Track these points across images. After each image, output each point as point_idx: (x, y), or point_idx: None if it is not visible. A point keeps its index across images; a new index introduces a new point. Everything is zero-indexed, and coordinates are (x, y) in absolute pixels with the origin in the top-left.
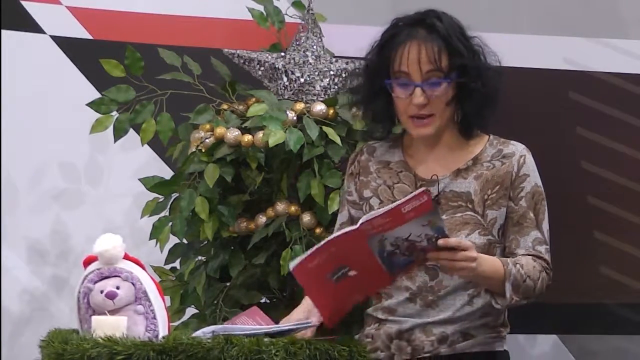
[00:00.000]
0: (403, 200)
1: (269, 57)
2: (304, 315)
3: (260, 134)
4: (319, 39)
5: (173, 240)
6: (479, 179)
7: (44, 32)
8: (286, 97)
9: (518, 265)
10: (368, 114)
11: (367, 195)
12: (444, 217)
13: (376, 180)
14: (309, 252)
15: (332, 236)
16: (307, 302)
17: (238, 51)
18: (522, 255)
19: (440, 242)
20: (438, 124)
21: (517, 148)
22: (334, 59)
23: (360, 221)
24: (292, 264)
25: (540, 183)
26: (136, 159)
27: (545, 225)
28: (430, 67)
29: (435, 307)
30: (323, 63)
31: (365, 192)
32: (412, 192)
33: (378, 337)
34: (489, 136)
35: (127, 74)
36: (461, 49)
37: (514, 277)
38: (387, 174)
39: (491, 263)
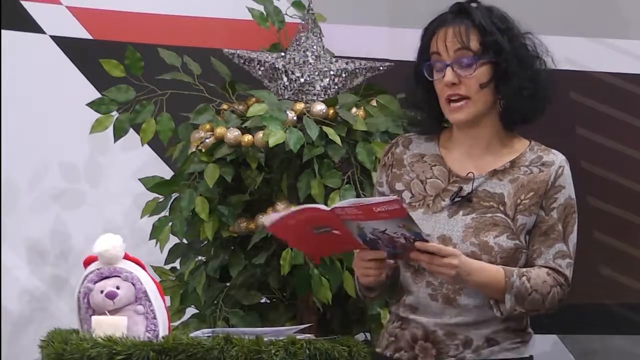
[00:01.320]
0: (374, 201)
1: (269, 57)
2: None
3: (260, 134)
4: (319, 39)
5: (173, 240)
6: (515, 182)
7: (44, 32)
8: (286, 97)
9: (524, 278)
10: (412, 104)
11: (400, 189)
12: (474, 215)
13: (409, 174)
14: (284, 214)
15: (304, 206)
16: None
17: (238, 51)
18: (539, 266)
19: (417, 244)
20: (474, 110)
21: (557, 158)
22: (334, 59)
23: (333, 206)
24: (267, 221)
25: (574, 196)
26: (136, 159)
27: (573, 239)
28: (458, 45)
29: (456, 306)
30: (323, 63)
31: (397, 185)
32: (389, 197)
33: (402, 337)
34: (530, 141)
35: (127, 74)
36: (493, 29)
37: (517, 289)
38: (421, 167)
39: (489, 274)
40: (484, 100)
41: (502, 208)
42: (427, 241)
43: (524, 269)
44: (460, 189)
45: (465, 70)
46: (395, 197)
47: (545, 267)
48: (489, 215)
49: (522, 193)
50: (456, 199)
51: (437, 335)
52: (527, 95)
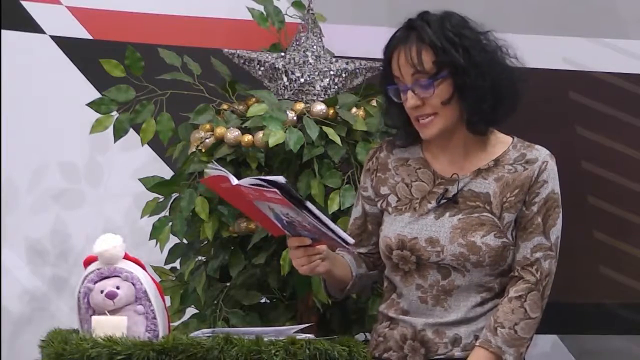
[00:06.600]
0: (262, 188)
1: (269, 57)
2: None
3: (260, 134)
4: (319, 39)
5: (173, 240)
6: (500, 181)
7: (44, 32)
8: (286, 97)
9: (499, 330)
10: (388, 122)
11: (385, 192)
12: (460, 215)
13: (394, 178)
14: (216, 174)
15: (220, 171)
16: (344, 259)
17: (238, 51)
18: (502, 303)
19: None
20: (442, 124)
21: (540, 154)
22: (334, 59)
23: (237, 181)
24: (207, 173)
25: (557, 190)
26: (136, 159)
27: (555, 232)
28: (413, 70)
29: (447, 308)
30: (323, 63)
31: (382, 189)
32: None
33: (391, 337)
34: (513, 138)
35: (127, 74)
36: (446, 45)
37: (504, 344)
38: (406, 171)
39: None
40: (450, 113)
41: (488, 207)
42: (322, 231)
43: (492, 322)
44: (446, 190)
45: (425, 92)
46: (277, 184)
47: (514, 276)
48: (476, 215)
49: (507, 191)
50: (442, 201)
51: (426, 335)
52: (488, 105)
